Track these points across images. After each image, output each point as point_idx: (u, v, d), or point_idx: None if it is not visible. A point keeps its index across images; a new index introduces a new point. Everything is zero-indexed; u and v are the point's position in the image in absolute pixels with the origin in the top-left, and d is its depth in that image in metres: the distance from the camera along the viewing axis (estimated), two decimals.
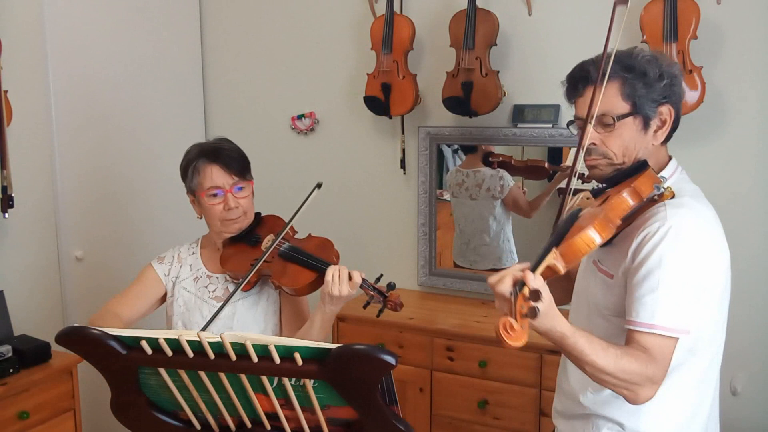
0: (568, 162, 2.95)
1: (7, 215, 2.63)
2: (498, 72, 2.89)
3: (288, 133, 3.53)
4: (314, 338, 1.86)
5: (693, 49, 2.55)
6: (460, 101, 2.89)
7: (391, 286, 1.83)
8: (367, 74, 3.10)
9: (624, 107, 1.50)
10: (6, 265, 2.76)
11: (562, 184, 2.93)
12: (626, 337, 1.46)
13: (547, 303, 1.29)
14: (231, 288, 1.98)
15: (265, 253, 1.87)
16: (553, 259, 1.35)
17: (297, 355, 1.18)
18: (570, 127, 1.63)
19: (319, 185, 1.93)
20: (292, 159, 3.53)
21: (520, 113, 2.99)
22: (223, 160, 1.92)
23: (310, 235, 2.02)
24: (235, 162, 1.94)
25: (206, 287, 2.00)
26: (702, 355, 1.53)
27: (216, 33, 3.66)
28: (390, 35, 3.01)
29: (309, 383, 1.22)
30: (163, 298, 2.04)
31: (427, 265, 3.28)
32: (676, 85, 1.53)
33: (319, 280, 1.86)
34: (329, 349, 1.18)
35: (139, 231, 3.32)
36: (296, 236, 2.02)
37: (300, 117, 3.49)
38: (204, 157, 1.93)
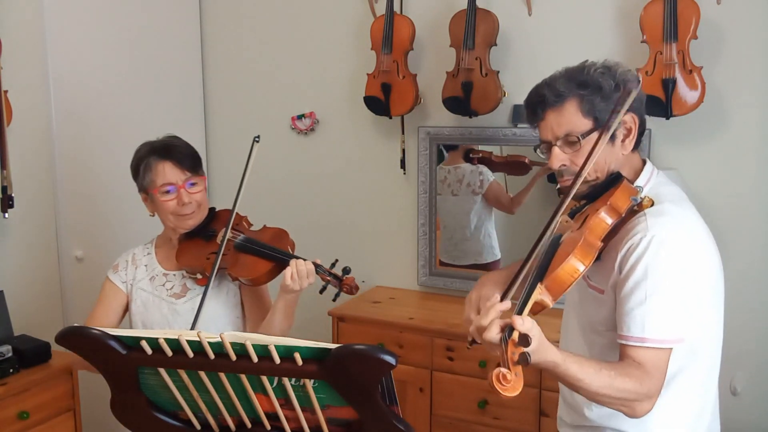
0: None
1: (7, 215, 2.63)
2: (498, 72, 2.89)
3: (288, 133, 3.53)
4: (278, 326, 1.90)
5: (693, 49, 2.55)
6: (460, 101, 2.89)
7: (346, 271, 1.88)
8: (367, 74, 3.10)
9: (586, 124, 1.49)
10: (6, 265, 2.76)
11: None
12: (619, 352, 1.45)
13: (537, 340, 1.26)
14: (189, 284, 2.00)
15: (222, 245, 1.89)
16: (540, 294, 1.33)
17: (297, 355, 1.18)
18: (537, 151, 1.62)
19: (256, 138, 1.95)
20: (292, 159, 3.53)
21: (520, 113, 2.98)
22: (175, 156, 1.93)
23: (264, 226, 2.05)
24: (187, 158, 1.95)
25: (163, 285, 2.02)
26: (702, 358, 1.52)
27: (216, 33, 3.66)
28: (390, 35, 3.01)
29: (309, 383, 1.22)
30: (129, 304, 2.06)
31: (427, 265, 3.27)
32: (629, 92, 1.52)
33: (276, 269, 1.89)
34: (329, 349, 1.18)
35: (139, 231, 3.29)
36: (251, 228, 2.04)
37: (300, 117, 3.49)
38: (155, 154, 1.94)
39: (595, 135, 1.48)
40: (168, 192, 1.93)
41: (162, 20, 3.41)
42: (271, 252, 1.91)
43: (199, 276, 1.97)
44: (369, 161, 3.37)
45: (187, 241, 1.99)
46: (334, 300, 1.91)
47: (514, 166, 3.07)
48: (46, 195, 2.91)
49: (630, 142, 1.53)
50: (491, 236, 3.16)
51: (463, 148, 3.13)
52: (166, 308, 1.99)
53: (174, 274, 2.03)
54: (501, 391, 1.19)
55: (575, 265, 1.34)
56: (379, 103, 3.08)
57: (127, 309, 2.06)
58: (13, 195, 2.63)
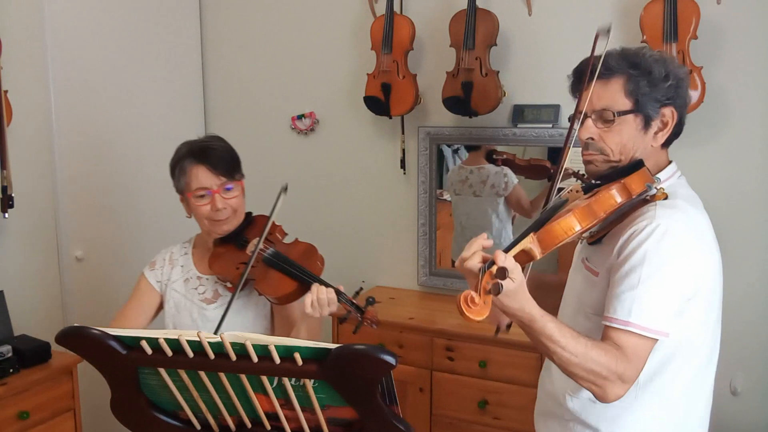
0: (567, 163, 2.95)
1: (7, 215, 2.62)
2: (498, 72, 2.89)
3: (288, 133, 3.53)
4: None
5: (693, 49, 2.55)
6: (460, 101, 2.89)
7: (369, 302, 1.82)
8: (367, 74, 3.10)
9: (626, 104, 1.48)
10: (6, 265, 2.76)
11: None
12: (602, 333, 1.43)
13: (517, 283, 1.29)
14: (221, 290, 1.96)
15: (250, 261, 1.83)
16: (530, 243, 1.34)
17: (297, 355, 1.18)
18: (570, 119, 1.60)
19: (284, 188, 1.88)
20: (292, 159, 3.53)
21: (520, 113, 2.99)
22: (211, 160, 1.87)
23: (296, 240, 1.98)
24: (223, 162, 1.89)
25: (195, 289, 1.98)
26: (687, 362, 1.50)
27: (216, 33, 3.66)
28: (390, 35, 3.01)
29: (309, 383, 1.22)
30: (163, 303, 2.03)
31: (427, 265, 3.27)
32: (681, 88, 1.51)
33: (300, 290, 1.82)
34: (329, 349, 1.18)
35: (139, 231, 3.32)
36: (285, 239, 1.98)
37: (300, 117, 3.49)
38: (191, 156, 1.89)
39: (630, 117, 1.48)
40: (202, 197, 1.87)
41: (162, 20, 3.41)
42: (298, 272, 1.83)
43: (228, 284, 1.91)
44: (369, 161, 3.37)
45: (220, 247, 1.94)
46: (354, 332, 1.83)
47: (535, 170, 3.03)
48: (46, 195, 2.90)
49: (662, 136, 1.52)
50: (511, 239, 3.13)
51: (485, 148, 3.09)
52: (197, 312, 1.95)
53: (207, 278, 1.98)
54: (465, 312, 1.23)
55: (571, 222, 1.35)
56: (379, 103, 3.08)
57: (160, 308, 2.02)
58: (13, 195, 2.63)
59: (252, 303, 1.96)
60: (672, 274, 1.41)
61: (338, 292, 1.79)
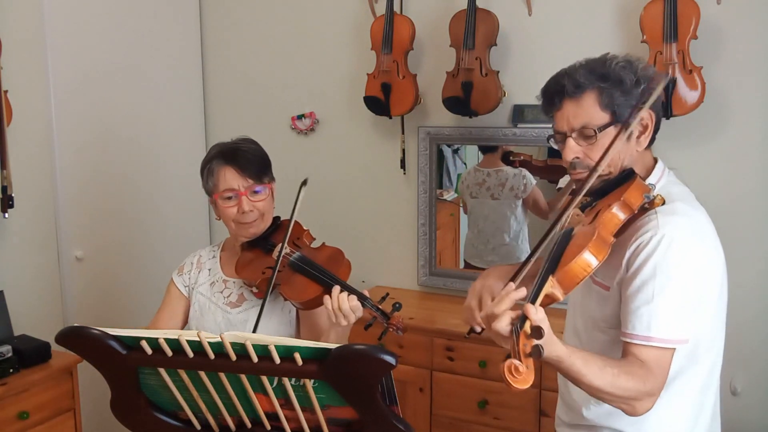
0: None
1: (7, 215, 2.63)
2: (498, 72, 2.89)
3: (288, 133, 3.53)
4: None
5: (693, 49, 2.55)
6: (460, 101, 2.89)
7: (396, 308, 1.78)
8: (367, 74, 3.10)
9: (603, 117, 1.47)
10: (6, 265, 2.76)
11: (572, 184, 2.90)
12: (622, 349, 1.44)
13: (546, 333, 1.23)
14: (246, 294, 1.93)
15: (277, 264, 1.80)
16: (551, 287, 1.31)
17: (297, 355, 1.18)
18: (550, 141, 1.60)
19: (304, 182, 1.86)
20: (292, 159, 3.52)
21: (520, 113, 2.99)
22: (239, 162, 1.85)
23: (323, 244, 1.96)
24: (252, 164, 1.87)
25: (221, 292, 1.95)
26: (702, 361, 1.52)
27: (216, 33, 3.66)
28: (390, 35, 3.01)
29: (309, 383, 1.22)
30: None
31: (427, 265, 3.27)
32: (654, 88, 1.49)
33: (325, 295, 1.78)
34: (329, 349, 1.18)
35: (139, 231, 3.32)
36: (313, 244, 1.96)
37: (300, 117, 3.49)
38: (220, 158, 1.87)
39: (611, 129, 1.46)
40: (229, 198, 1.86)
41: (162, 20, 3.41)
42: (323, 276, 1.79)
43: (255, 289, 1.88)
44: (369, 161, 3.37)
45: (247, 251, 1.92)
46: (379, 339, 1.80)
47: (551, 171, 3.01)
48: (46, 195, 2.90)
49: (645, 139, 1.52)
50: (527, 241, 3.13)
51: (501, 150, 3.08)
52: (221, 317, 1.92)
53: (233, 282, 1.95)
54: (512, 383, 1.16)
55: (588, 259, 1.32)
56: (379, 103, 3.08)
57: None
58: (13, 195, 2.63)
59: (278, 308, 1.93)
60: (683, 282, 1.42)
61: (363, 298, 1.74)
